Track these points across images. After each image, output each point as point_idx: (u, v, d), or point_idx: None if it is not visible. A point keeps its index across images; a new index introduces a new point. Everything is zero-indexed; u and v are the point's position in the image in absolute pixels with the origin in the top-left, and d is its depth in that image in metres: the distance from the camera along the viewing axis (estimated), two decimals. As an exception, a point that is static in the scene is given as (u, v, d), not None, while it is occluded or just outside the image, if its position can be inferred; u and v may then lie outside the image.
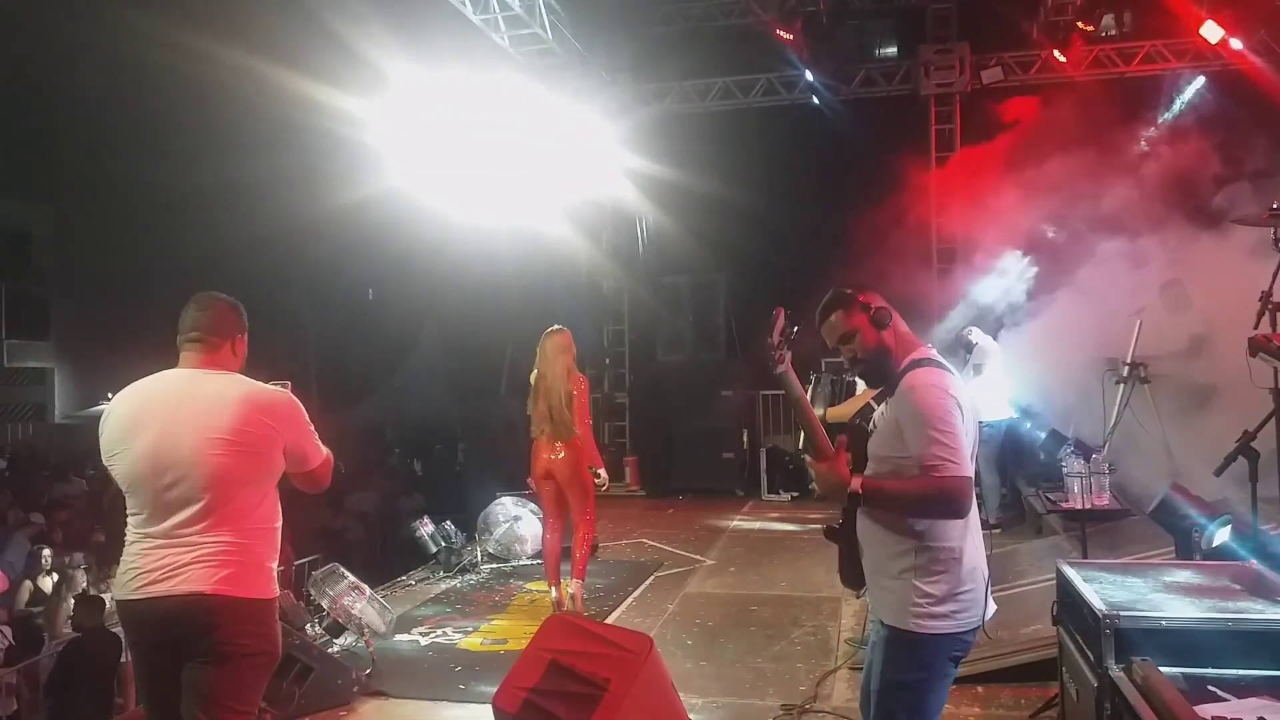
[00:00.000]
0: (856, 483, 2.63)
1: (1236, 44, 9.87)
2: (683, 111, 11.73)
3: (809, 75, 11.08)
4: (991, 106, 10.78)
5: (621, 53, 11.10)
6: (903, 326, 2.91)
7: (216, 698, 3.00)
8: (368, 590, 5.93)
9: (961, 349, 8.79)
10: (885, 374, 2.89)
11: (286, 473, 3.24)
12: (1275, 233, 4.70)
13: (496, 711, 1.55)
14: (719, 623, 6.31)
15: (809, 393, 5.59)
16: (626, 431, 12.22)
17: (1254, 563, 3.52)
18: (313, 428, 3.29)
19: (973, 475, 2.65)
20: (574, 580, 6.27)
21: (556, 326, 6.62)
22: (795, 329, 2.87)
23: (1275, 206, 4.65)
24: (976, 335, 8.56)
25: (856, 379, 5.14)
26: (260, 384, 3.25)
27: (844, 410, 5.48)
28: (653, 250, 11.63)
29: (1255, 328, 5.01)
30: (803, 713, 4.81)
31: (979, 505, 2.76)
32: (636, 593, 7.07)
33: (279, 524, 3.24)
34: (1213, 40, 9.78)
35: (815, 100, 11.37)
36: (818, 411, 5.43)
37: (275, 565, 3.22)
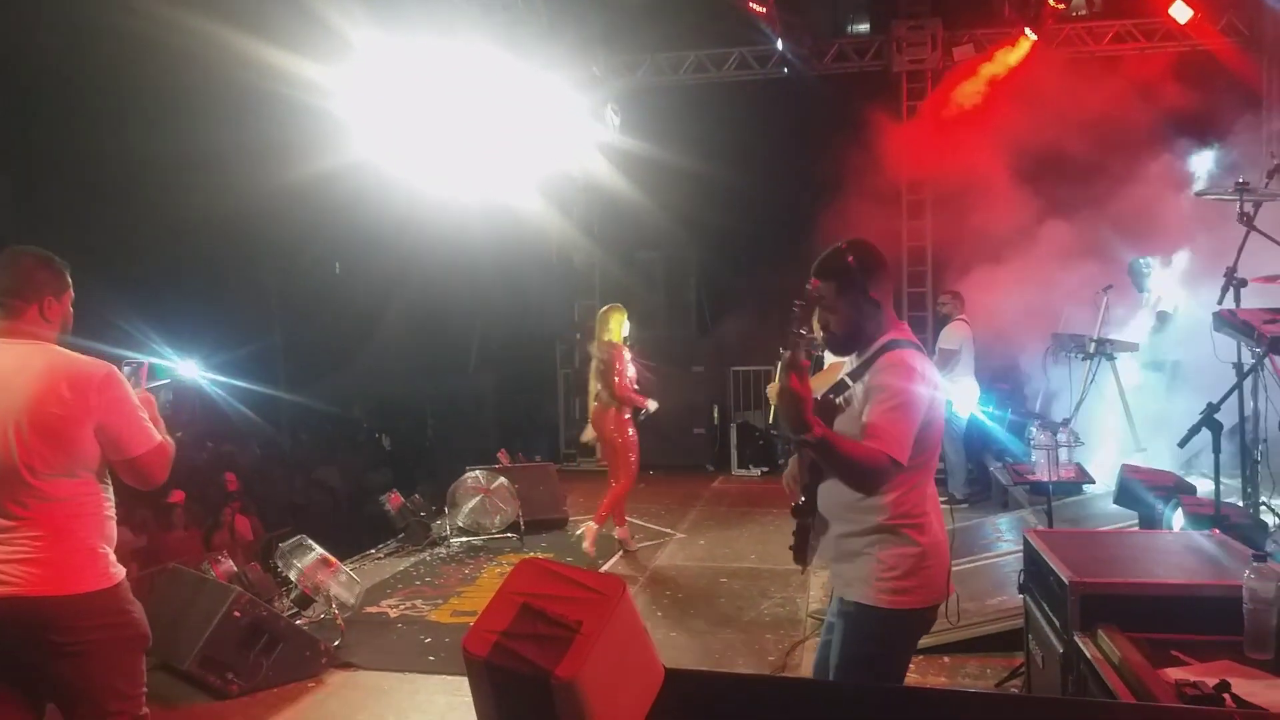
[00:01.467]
0: (819, 429, 2.56)
1: (1204, 24, 9.96)
2: (655, 84, 11.64)
3: (782, 49, 11.03)
4: (965, 83, 10.79)
5: (593, 23, 10.97)
6: (890, 308, 2.88)
7: (88, 694, 2.76)
8: (336, 563, 5.89)
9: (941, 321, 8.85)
10: (849, 350, 2.91)
11: (107, 461, 2.83)
12: (1240, 207, 4.75)
13: (466, 655, 1.53)
14: (689, 594, 6.35)
15: (776, 371, 5.55)
16: (597, 406, 12.19)
17: (1216, 532, 3.57)
18: (140, 408, 2.85)
19: (905, 460, 2.61)
20: (589, 523, 7.19)
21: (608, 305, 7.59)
22: (826, 331, 2.85)
23: (1240, 180, 4.70)
24: (956, 316, 8.63)
25: (825, 353, 5.10)
26: (73, 355, 2.80)
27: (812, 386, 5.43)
28: (625, 225, 11.56)
29: (1219, 303, 5.09)
30: (771, 682, 4.85)
31: (942, 483, 2.79)
32: (607, 565, 7.08)
33: (110, 511, 2.87)
34: (1182, 20, 9.84)
35: (788, 74, 11.32)
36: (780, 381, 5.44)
37: (109, 550, 2.85)
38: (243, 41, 7.38)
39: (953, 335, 8.47)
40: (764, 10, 10.23)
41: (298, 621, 5.35)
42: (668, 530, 8.17)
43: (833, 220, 9.40)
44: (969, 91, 10.72)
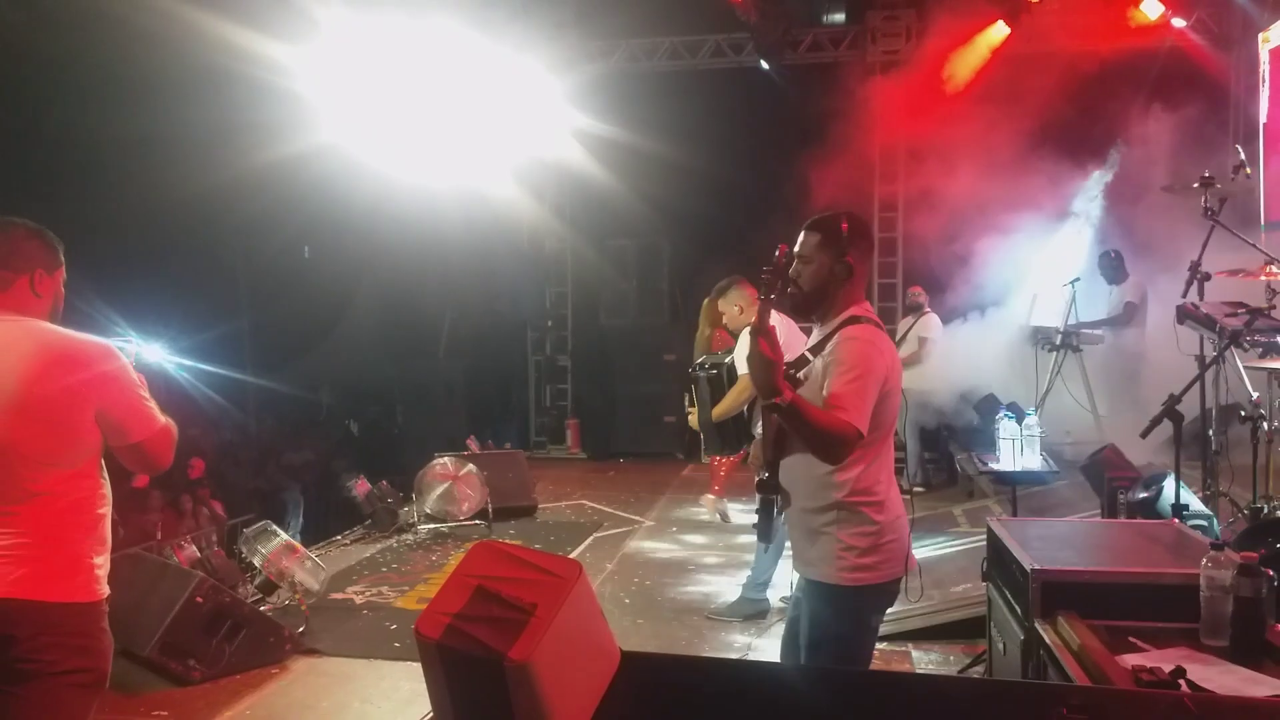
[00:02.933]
0: (789, 394, 2.58)
1: (1178, 22, 10.05)
2: (629, 70, 11.58)
3: (756, 38, 11.00)
4: (939, 75, 10.82)
5: (566, 7, 10.90)
6: (861, 286, 2.94)
7: None
8: (301, 549, 5.84)
9: (909, 311, 8.91)
10: (805, 313, 2.96)
11: (109, 447, 2.60)
12: (1205, 201, 4.80)
13: (419, 638, 1.52)
14: (656, 582, 6.35)
15: (692, 398, 5.54)
16: (568, 395, 12.17)
17: (1175, 521, 3.61)
18: (143, 388, 2.63)
19: (866, 431, 2.64)
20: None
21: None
22: (790, 286, 2.86)
23: (1206, 175, 4.75)
24: (926, 309, 8.69)
25: (738, 362, 5.07)
26: (67, 332, 2.56)
27: (730, 404, 5.30)
28: (597, 211, 11.51)
29: (1184, 296, 5.15)
30: (737, 669, 4.87)
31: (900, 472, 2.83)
32: (575, 552, 7.06)
33: (105, 509, 2.62)
34: (1153, 17, 9.92)
35: (763, 64, 11.30)
36: (699, 412, 5.41)
37: (101, 560, 2.60)
38: (207, 20, 7.23)
39: (931, 325, 8.58)
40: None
41: (262, 608, 5.30)
42: (636, 518, 8.17)
43: (805, 210, 9.41)
44: (944, 83, 10.74)
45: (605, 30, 11.29)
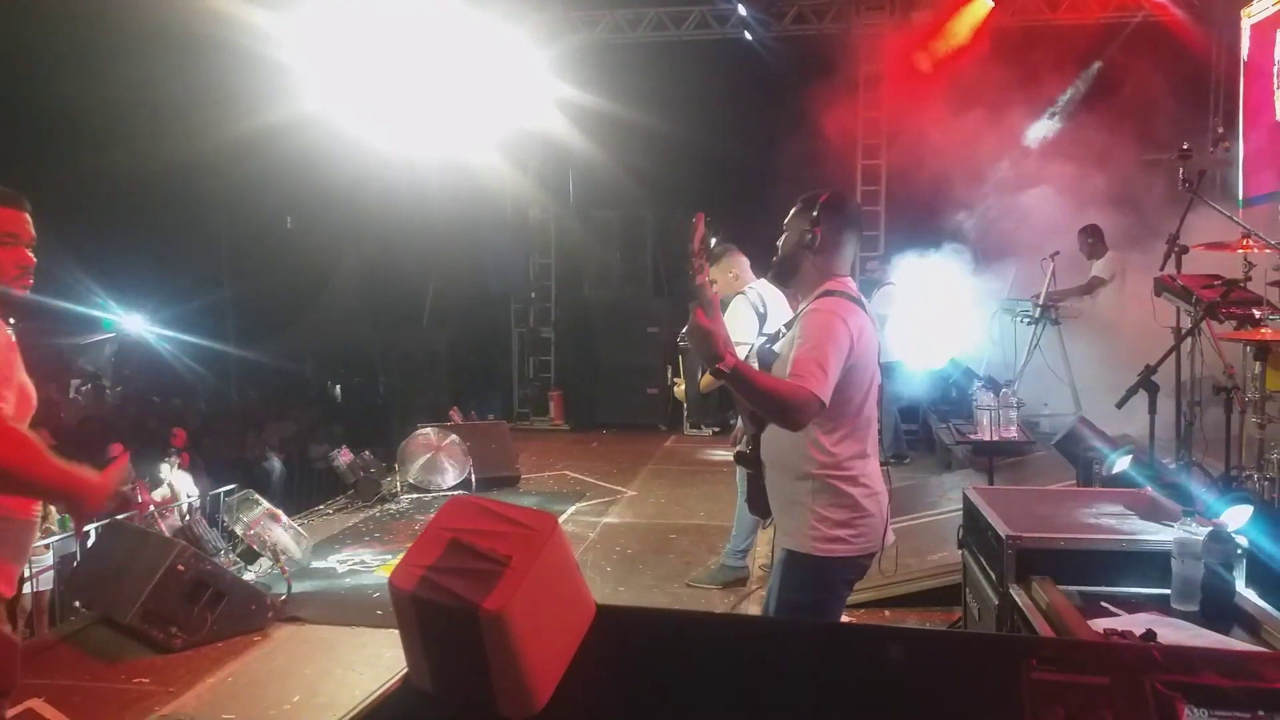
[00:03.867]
0: (730, 360, 2.58)
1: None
2: (613, 41, 11.51)
3: (741, 9, 10.94)
4: (922, 48, 10.80)
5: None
6: (835, 260, 2.93)
7: None
8: (283, 517, 5.86)
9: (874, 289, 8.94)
10: (783, 280, 3.02)
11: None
12: (1182, 174, 4.83)
13: (392, 590, 1.54)
14: (638, 551, 6.40)
15: (680, 369, 5.55)
16: (551, 366, 12.17)
17: (1149, 489, 3.66)
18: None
19: (827, 400, 2.64)
20: None
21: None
22: (714, 239, 2.88)
23: (1185, 148, 4.78)
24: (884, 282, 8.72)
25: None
26: None
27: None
28: (582, 183, 11.48)
29: (1161, 268, 5.19)
30: (717, 636, 4.92)
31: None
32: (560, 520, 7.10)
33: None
34: (1135, -9, 9.92)
35: (747, 35, 11.25)
36: (685, 384, 5.42)
37: (17, 563, 2.34)
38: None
39: (887, 298, 8.61)
40: (724, -32, 10.15)
41: (244, 576, 5.31)
42: (619, 488, 8.21)
43: (789, 183, 9.40)
44: (927, 56, 10.73)
45: (590, 1, 11.20)
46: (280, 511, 5.87)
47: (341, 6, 8.42)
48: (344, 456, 7.54)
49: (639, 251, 11.77)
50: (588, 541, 6.62)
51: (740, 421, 3.13)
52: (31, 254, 2.47)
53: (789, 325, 2.92)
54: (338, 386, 9.80)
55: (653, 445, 10.18)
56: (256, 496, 5.84)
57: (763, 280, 5.31)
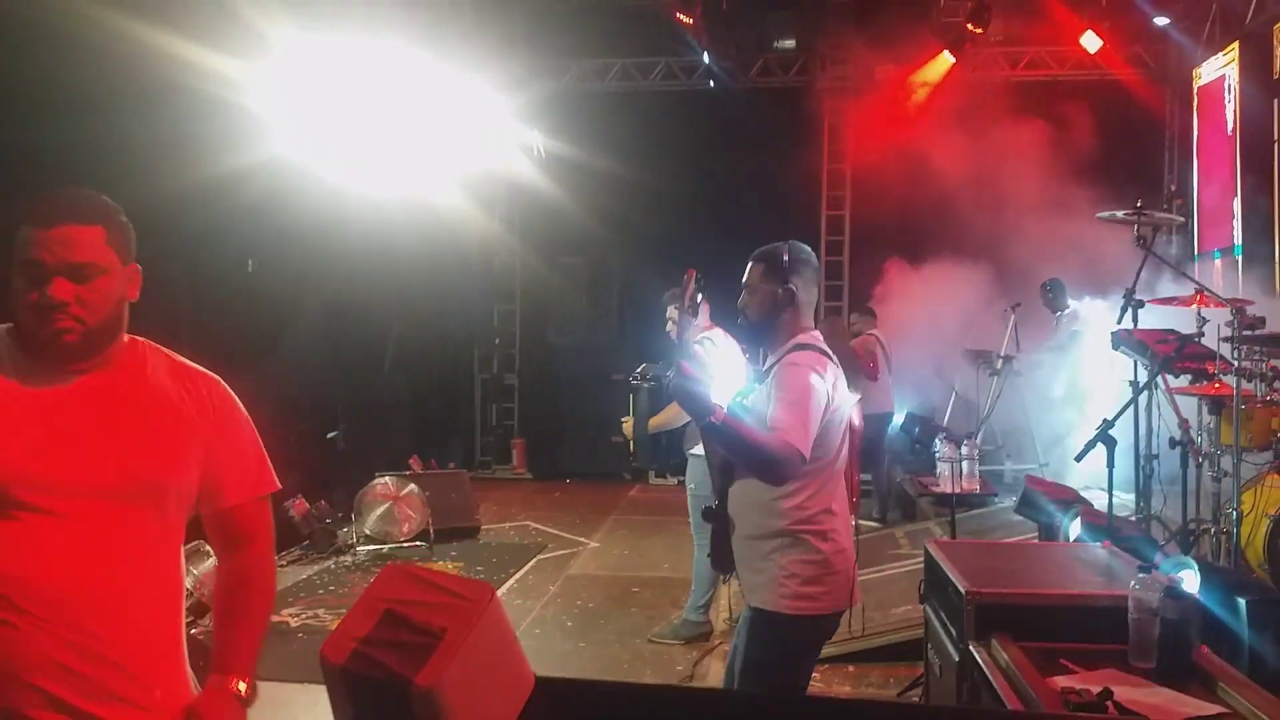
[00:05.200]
0: (720, 414, 2.59)
1: (1115, 56, 10.33)
2: (581, 90, 11.61)
3: (707, 60, 11.09)
4: (885, 102, 11.00)
5: (518, 27, 10.89)
6: (806, 313, 2.97)
7: None
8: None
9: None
10: (755, 342, 3.03)
11: None
12: (1137, 230, 4.91)
13: (324, 664, 1.47)
14: (600, 604, 6.31)
15: (630, 406, 5.54)
16: (515, 413, 12.09)
17: (1108, 544, 3.66)
18: None
19: (809, 455, 2.64)
20: None
21: None
22: (701, 297, 2.90)
23: (1138, 205, 4.86)
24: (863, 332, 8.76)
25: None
26: None
27: (665, 416, 5.31)
28: (548, 229, 11.48)
29: (1119, 323, 5.26)
30: (678, 692, 4.84)
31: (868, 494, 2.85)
32: (518, 575, 6.99)
33: None
34: (1091, 50, 10.17)
35: (714, 87, 11.39)
36: (634, 422, 5.41)
37: None
38: (152, 35, 7.11)
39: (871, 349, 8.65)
40: (690, 22, 10.27)
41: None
42: (582, 539, 8.12)
43: (755, 231, 9.48)
44: (890, 110, 10.91)
45: (556, 50, 11.30)
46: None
47: (306, 54, 8.43)
48: (298, 507, 7.38)
49: (605, 298, 11.76)
50: (548, 595, 6.52)
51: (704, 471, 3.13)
52: (60, 287, 1.77)
53: (761, 379, 2.91)
54: (339, 432, 9.58)
55: (617, 494, 10.10)
56: (208, 548, 5.67)
57: (718, 329, 5.33)
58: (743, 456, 2.70)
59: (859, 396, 7.81)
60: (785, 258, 2.92)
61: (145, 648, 1.87)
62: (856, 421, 7.65)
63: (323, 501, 7.63)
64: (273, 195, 9.77)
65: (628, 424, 5.59)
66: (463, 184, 10.45)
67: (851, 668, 5.04)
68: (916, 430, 7.87)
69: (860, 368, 8.12)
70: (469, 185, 10.57)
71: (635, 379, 5.49)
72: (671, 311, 5.40)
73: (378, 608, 1.45)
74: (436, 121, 9.80)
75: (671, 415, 5.27)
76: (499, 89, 10.60)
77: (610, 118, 11.07)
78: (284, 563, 7.25)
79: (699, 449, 5.34)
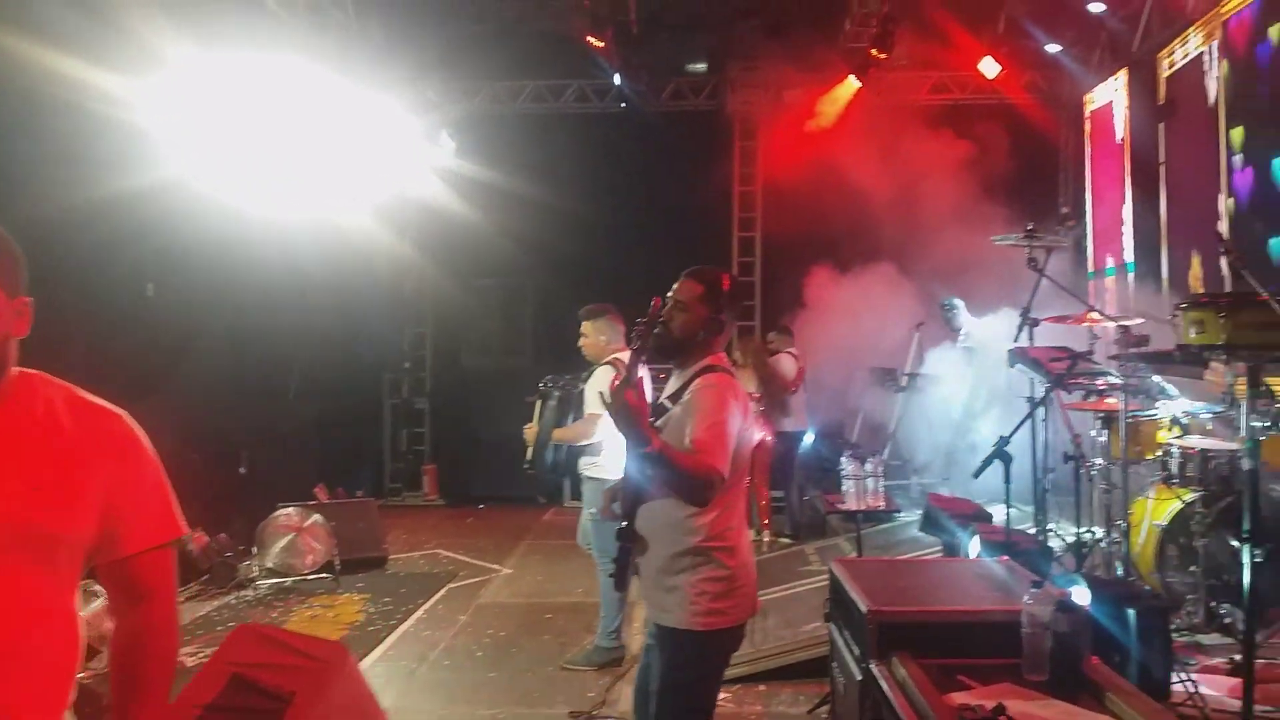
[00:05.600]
0: (658, 443, 2.65)
1: (1012, 81, 10.70)
2: (494, 112, 11.55)
3: (619, 82, 11.14)
4: (794, 125, 11.19)
5: (429, 48, 10.78)
6: (724, 340, 3.08)
7: None
8: (125, 608, 5.44)
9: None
10: (673, 357, 3.03)
11: None
12: (1030, 253, 5.06)
13: None
14: (512, 632, 6.20)
15: (535, 412, 5.54)
16: (426, 439, 11.88)
17: (1006, 559, 3.73)
18: None
19: (727, 474, 2.73)
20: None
21: None
22: (657, 328, 2.91)
23: (1030, 228, 5.01)
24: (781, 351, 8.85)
25: (588, 393, 5.12)
26: None
27: (571, 432, 5.32)
28: (460, 251, 11.36)
29: (1015, 341, 5.40)
30: (590, 719, 4.78)
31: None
32: (427, 605, 6.84)
33: None
34: (990, 76, 10.52)
35: (625, 109, 11.44)
36: (538, 430, 5.40)
37: None
38: (31, 49, 6.83)
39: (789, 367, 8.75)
40: (602, 45, 10.31)
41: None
42: (494, 566, 7.99)
43: (669, 253, 9.53)
44: (799, 133, 11.10)
45: (468, 72, 11.24)
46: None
47: (206, 73, 8.20)
48: (197, 540, 7.11)
49: (519, 320, 11.68)
50: (459, 625, 6.39)
51: (605, 494, 3.14)
52: None
53: (672, 399, 2.97)
54: (195, 457, 9.25)
55: (531, 519, 9.96)
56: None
57: (629, 352, 5.31)
58: (674, 481, 2.75)
59: (781, 414, 7.93)
60: (726, 288, 3.02)
61: (30, 712, 1.70)
62: (769, 438, 7.77)
63: (223, 534, 7.36)
64: (171, 217, 9.45)
65: (530, 430, 5.56)
66: (373, 207, 10.28)
67: (763, 686, 5.04)
68: (824, 447, 8.01)
69: (780, 386, 8.20)
70: (379, 208, 10.40)
71: (545, 386, 5.47)
72: (586, 328, 5.41)
73: (225, 671, 1.37)
74: (345, 143, 9.63)
75: (574, 433, 5.24)
76: (410, 110, 10.48)
77: (523, 140, 11.04)
78: (182, 599, 6.95)
79: (595, 471, 5.31)
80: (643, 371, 5.21)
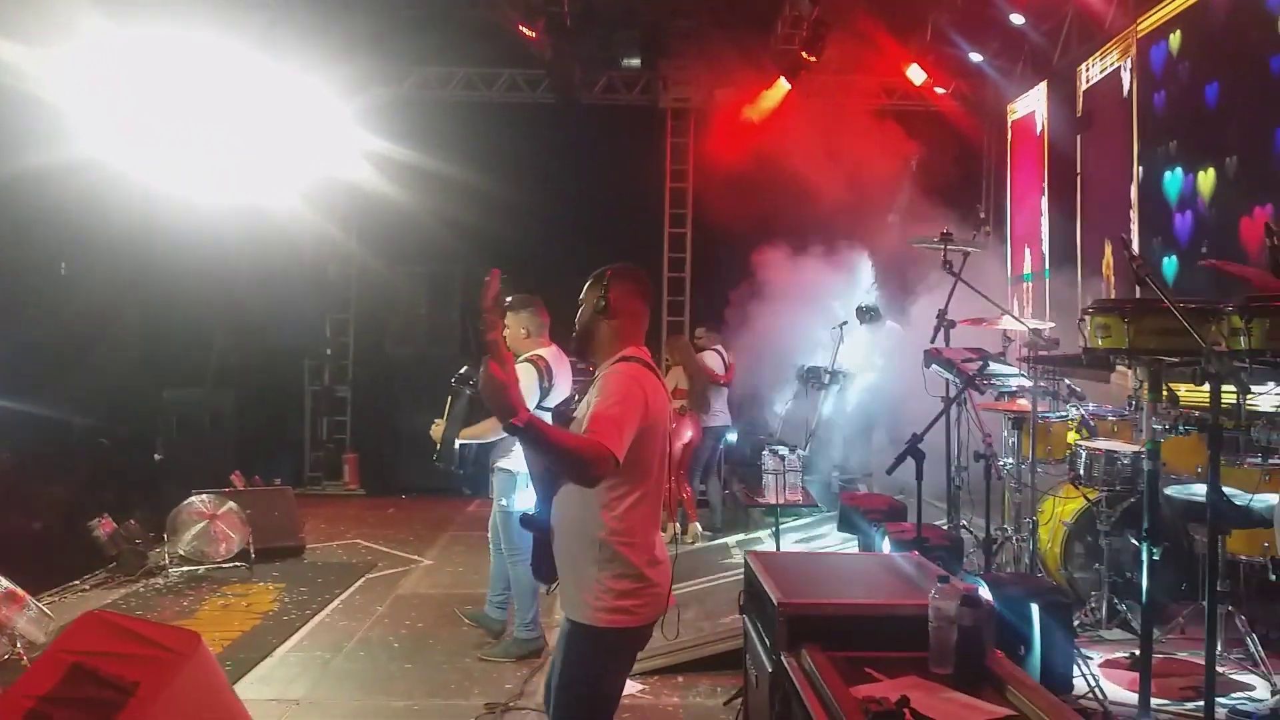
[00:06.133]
0: (524, 415, 2.54)
1: (938, 89, 10.92)
2: (423, 97, 11.40)
3: (551, 76, 11.08)
4: (725, 124, 11.26)
5: (357, 31, 10.57)
6: (631, 328, 3.00)
7: None
8: (25, 597, 5.26)
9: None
10: (583, 351, 3.05)
11: None
12: (945, 255, 5.18)
13: None
14: (430, 624, 6.14)
15: (446, 409, 5.45)
16: (347, 427, 11.68)
17: (915, 554, 3.81)
18: None
19: (622, 458, 2.65)
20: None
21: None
22: (509, 299, 2.88)
23: (945, 232, 5.13)
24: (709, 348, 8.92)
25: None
26: None
27: (478, 430, 5.24)
28: (387, 238, 11.18)
29: (931, 341, 5.52)
30: (505, 710, 4.76)
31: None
32: (344, 595, 6.74)
33: None
34: (917, 82, 10.72)
35: (557, 101, 11.39)
36: (446, 425, 5.33)
37: None
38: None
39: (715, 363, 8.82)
40: (534, 36, 10.24)
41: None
42: (415, 557, 7.90)
43: (597, 246, 9.52)
44: (730, 132, 11.18)
45: (397, 55, 11.06)
46: (22, 591, 5.27)
47: (119, 47, 7.93)
48: (105, 526, 6.89)
49: (446, 308, 11.49)
50: (375, 616, 6.31)
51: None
52: None
53: (585, 391, 2.95)
54: (105, 443, 8.94)
55: (454, 510, 9.85)
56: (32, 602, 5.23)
57: (554, 347, 5.29)
58: (552, 458, 2.68)
59: (705, 410, 7.97)
60: (609, 273, 3.00)
61: None
62: (695, 435, 7.79)
63: (132, 520, 7.15)
64: (85, 196, 9.13)
65: (437, 427, 5.47)
66: (298, 189, 10.06)
67: (680, 678, 5.09)
68: (747, 443, 8.11)
69: (707, 381, 8.26)
70: (304, 190, 10.18)
71: (457, 381, 5.37)
72: (508, 319, 5.30)
73: (64, 661, 1.32)
74: (269, 124, 9.41)
75: (485, 429, 5.16)
76: (337, 93, 10.27)
77: (453, 126, 10.91)
78: (88, 586, 6.77)
79: (506, 463, 5.28)
80: (555, 358, 5.22)
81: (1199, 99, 6.97)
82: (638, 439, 2.74)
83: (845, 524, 5.09)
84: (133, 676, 1.28)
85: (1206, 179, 6.86)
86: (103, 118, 8.32)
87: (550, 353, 5.26)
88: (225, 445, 9.18)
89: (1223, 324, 3.65)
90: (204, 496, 7.16)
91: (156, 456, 9.22)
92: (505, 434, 2.67)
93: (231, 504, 7.13)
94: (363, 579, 7.15)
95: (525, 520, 2.97)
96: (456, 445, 5.27)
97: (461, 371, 5.43)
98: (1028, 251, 10.46)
